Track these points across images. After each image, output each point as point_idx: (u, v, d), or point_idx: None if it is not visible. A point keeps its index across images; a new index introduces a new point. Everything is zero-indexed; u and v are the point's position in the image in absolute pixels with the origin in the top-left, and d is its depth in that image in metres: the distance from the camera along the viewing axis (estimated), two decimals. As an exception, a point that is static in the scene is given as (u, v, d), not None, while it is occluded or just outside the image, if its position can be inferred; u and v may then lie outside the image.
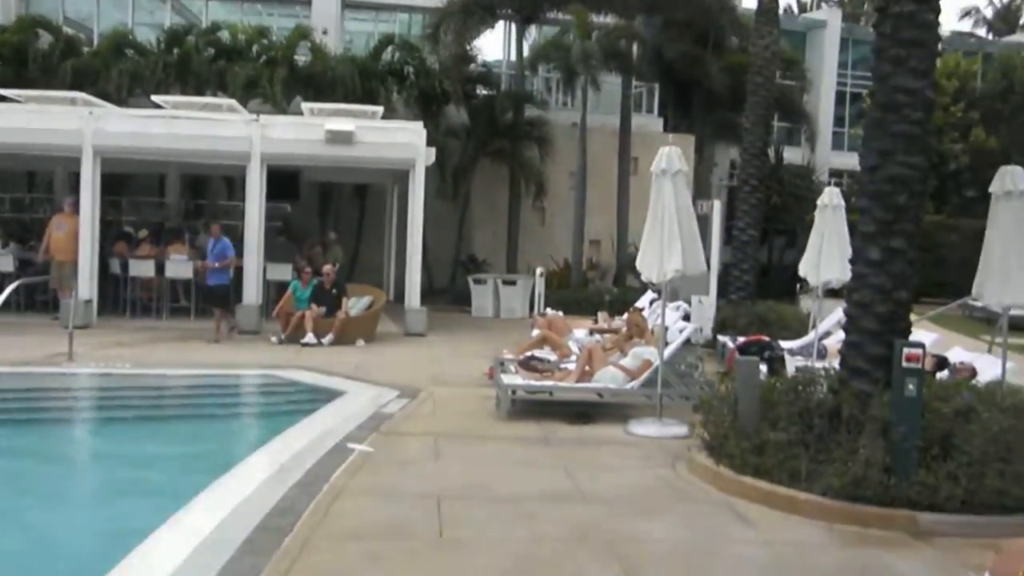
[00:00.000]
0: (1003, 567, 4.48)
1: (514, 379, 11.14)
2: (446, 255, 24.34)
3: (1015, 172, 9.21)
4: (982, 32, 48.85)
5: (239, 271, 16.77)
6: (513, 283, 21.41)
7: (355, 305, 16.48)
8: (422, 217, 17.51)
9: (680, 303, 13.94)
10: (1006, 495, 7.15)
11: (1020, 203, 9.06)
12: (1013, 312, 9.89)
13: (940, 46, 23.79)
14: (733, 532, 7.12)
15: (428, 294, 19.71)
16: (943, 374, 10.15)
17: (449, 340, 16.76)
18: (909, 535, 7.08)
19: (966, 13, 54.51)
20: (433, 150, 17.71)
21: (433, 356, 14.97)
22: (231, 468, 8.18)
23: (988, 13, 52.92)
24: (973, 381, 9.49)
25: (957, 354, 11.30)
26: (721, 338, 14.90)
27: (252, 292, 16.88)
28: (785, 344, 13.45)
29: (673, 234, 10.10)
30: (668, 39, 25.60)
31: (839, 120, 33.46)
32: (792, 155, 29.57)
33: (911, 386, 7.41)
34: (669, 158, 10.34)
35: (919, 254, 8.35)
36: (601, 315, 15.27)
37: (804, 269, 13.23)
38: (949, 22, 47.77)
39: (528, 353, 12.27)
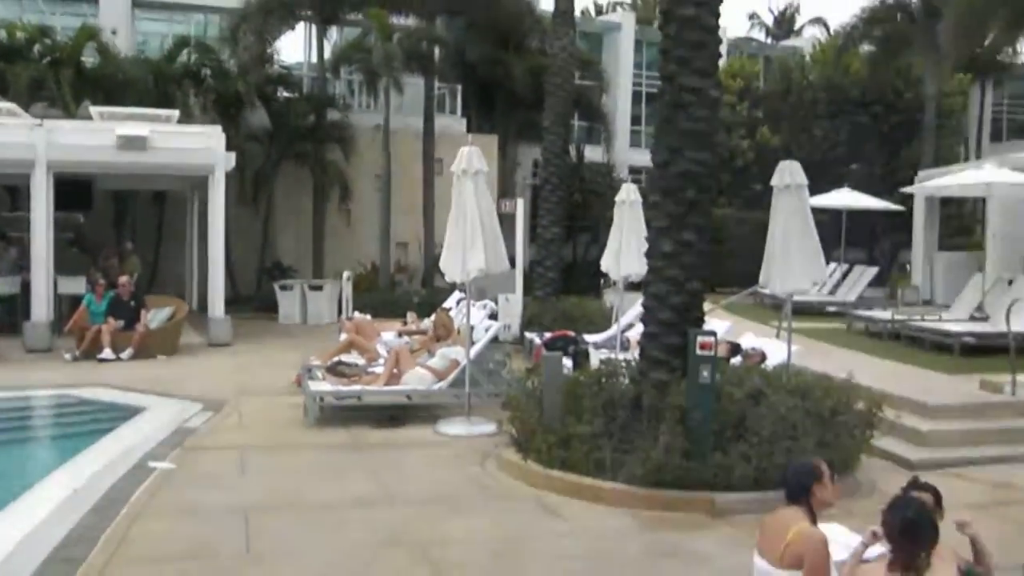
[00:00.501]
0: (766, 544, 4.70)
1: (321, 386, 10.94)
2: (250, 262, 23.67)
3: (793, 166, 9.74)
4: (762, 37, 51.61)
5: (26, 286, 15.79)
6: (320, 288, 21.06)
7: (155, 317, 15.81)
8: (223, 224, 16.98)
9: (487, 302, 14.05)
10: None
11: (797, 195, 9.58)
12: (796, 298, 10.48)
13: (725, 49, 24.99)
14: (542, 526, 7.23)
15: (233, 303, 19.11)
16: (736, 360, 10.63)
17: (255, 349, 16.31)
18: (708, 515, 7.39)
19: (751, 16, 57.54)
20: (233, 155, 17.18)
21: (239, 366, 14.53)
22: (19, 496, 7.67)
23: (768, 19, 56.02)
24: (763, 365, 9.98)
25: (749, 340, 11.86)
26: (528, 334, 15.12)
27: (41, 308, 15.88)
28: (590, 338, 13.77)
29: (475, 233, 10.17)
30: (470, 41, 25.80)
31: (636, 119, 34.55)
32: (593, 153, 30.32)
33: (705, 373, 7.72)
34: (469, 158, 10.40)
35: (711, 246, 8.72)
36: (410, 316, 15.23)
37: (606, 264, 13.60)
38: (736, 27, 50.24)
39: (335, 358, 12.09)
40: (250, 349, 16.24)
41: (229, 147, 17.08)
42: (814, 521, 4.68)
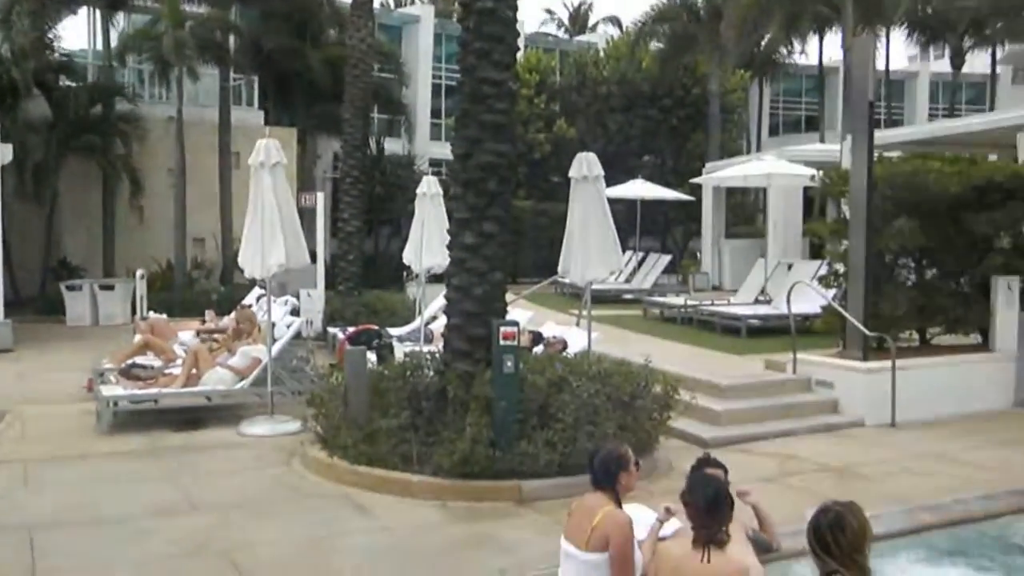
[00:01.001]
0: (573, 528, 4.83)
1: (115, 390, 10.42)
2: (33, 261, 22.21)
3: (590, 158, 10.01)
4: (560, 32, 52.77)
5: None
6: (111, 288, 20.05)
7: (-78, 323, 14.65)
8: (0, 221, 15.88)
9: (288, 297, 13.76)
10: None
11: (594, 186, 9.86)
12: (595, 287, 10.79)
13: (522, 43, 25.37)
14: (351, 523, 7.15)
15: (14, 305, 17.95)
16: (539, 348, 10.84)
17: (40, 354, 15.35)
18: (515, 503, 7.51)
19: (547, 11, 58.77)
20: (9, 147, 16.11)
21: (21, 373, 13.63)
22: None
23: (563, 15, 57.35)
24: (565, 353, 10.22)
25: (550, 329, 12.13)
26: (331, 330, 14.91)
27: None
28: (394, 331, 13.73)
29: (274, 228, 9.93)
30: (267, 30, 25.12)
31: (436, 111, 34.64)
32: (394, 146, 30.19)
33: (509, 363, 7.83)
34: (267, 150, 10.15)
35: (512, 237, 8.84)
36: (209, 315, 14.70)
37: (408, 257, 13.57)
38: (532, 22, 51.17)
39: (129, 361, 11.54)
40: (34, 354, 15.27)
41: (3, 138, 15.98)
42: (619, 505, 4.84)
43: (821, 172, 13.82)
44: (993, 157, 16.21)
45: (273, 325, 11.01)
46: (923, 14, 33.48)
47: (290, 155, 16.01)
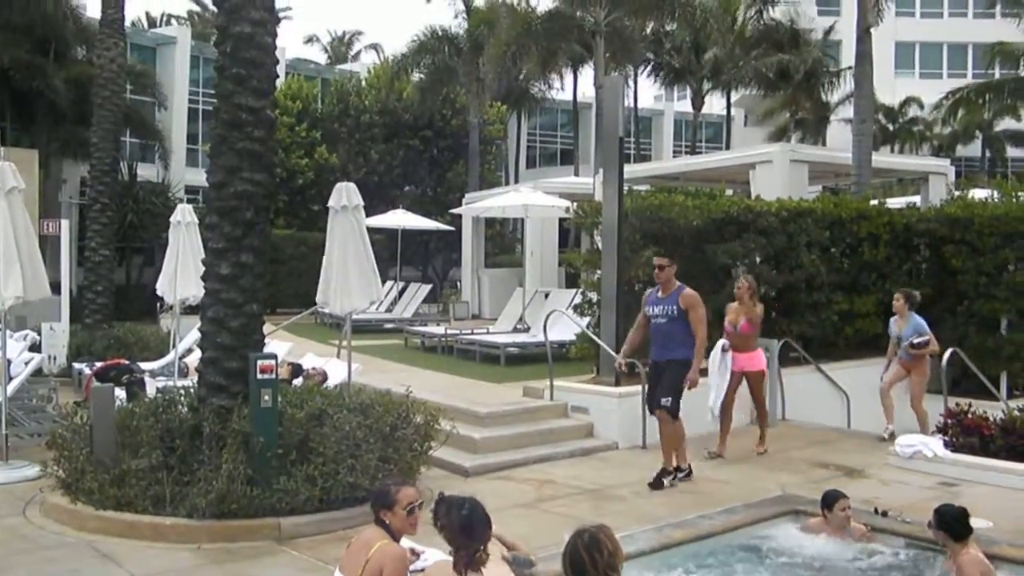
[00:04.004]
0: (348, 560, 4.80)
1: None
2: None
3: (349, 188, 9.95)
4: (322, 59, 52.40)
5: None
6: None
7: None
8: None
9: (28, 332, 12.86)
10: (358, 488, 7.68)
11: (353, 216, 9.81)
12: (356, 316, 10.72)
13: (283, 69, 24.94)
14: (93, 573, 6.71)
15: None
16: (298, 381, 10.64)
17: None
18: (274, 541, 7.29)
19: (309, 39, 58.15)
20: None
21: None
22: None
23: (325, 42, 56.97)
24: (325, 385, 10.09)
25: (310, 360, 11.95)
26: (77, 365, 14.02)
27: None
28: (146, 365, 13.08)
29: (11, 257, 9.24)
30: (4, 44, 23.49)
31: (192, 137, 33.48)
32: (148, 172, 28.93)
33: (267, 396, 7.63)
34: (3, 175, 9.45)
35: (271, 267, 8.64)
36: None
37: (162, 287, 13.01)
38: (294, 48, 50.51)
39: None
40: None
41: None
42: (396, 539, 4.82)
43: (575, 204, 14.38)
44: (729, 192, 17.45)
45: (9, 363, 10.22)
46: (668, 57, 35.70)
47: (30, 179, 14.98)
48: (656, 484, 8.93)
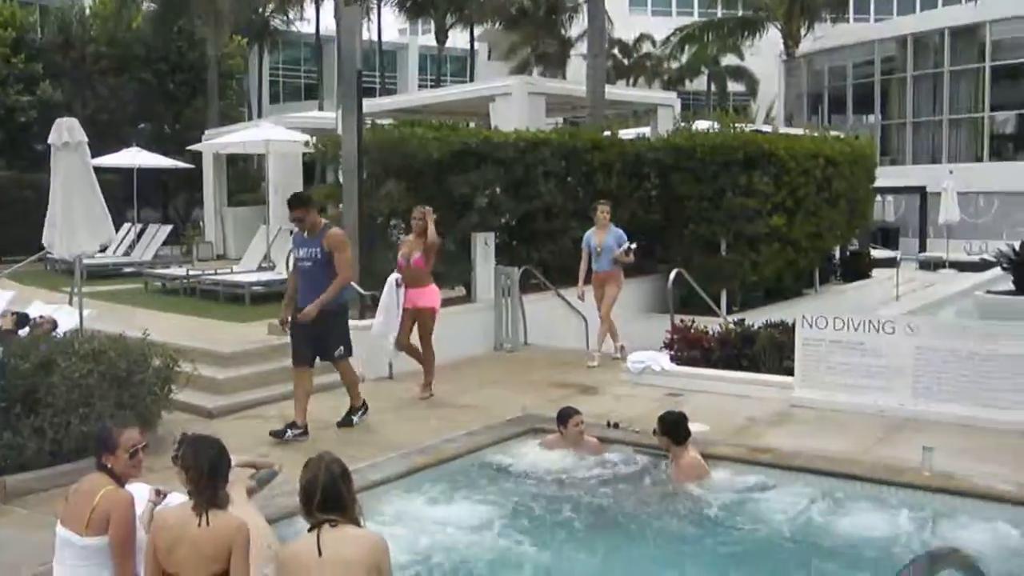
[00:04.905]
0: (71, 512, 4.61)
1: None
2: None
3: (70, 124, 9.37)
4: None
5: None
6: None
7: None
8: None
9: None
10: (91, 437, 7.36)
11: (77, 154, 9.27)
12: (91, 261, 10.17)
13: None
14: None
15: None
16: (25, 330, 10.02)
17: None
18: (0, 501, 6.91)
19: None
20: None
21: None
22: None
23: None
24: (55, 333, 9.54)
25: (37, 308, 11.26)
26: None
27: None
28: None
29: None
30: None
31: None
32: None
33: (-13, 348, 7.16)
34: None
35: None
36: None
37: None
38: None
39: None
40: None
41: None
42: (121, 484, 4.66)
43: (315, 138, 14.17)
44: (472, 125, 17.71)
45: None
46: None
47: None
48: (345, 422, 8.79)
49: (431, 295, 10.02)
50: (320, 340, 8.52)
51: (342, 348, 8.64)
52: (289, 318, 8.61)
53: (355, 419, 8.87)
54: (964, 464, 7.18)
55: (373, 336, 9.88)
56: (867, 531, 6.26)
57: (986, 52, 34.90)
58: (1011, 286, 14.96)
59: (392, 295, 9.71)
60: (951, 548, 3.23)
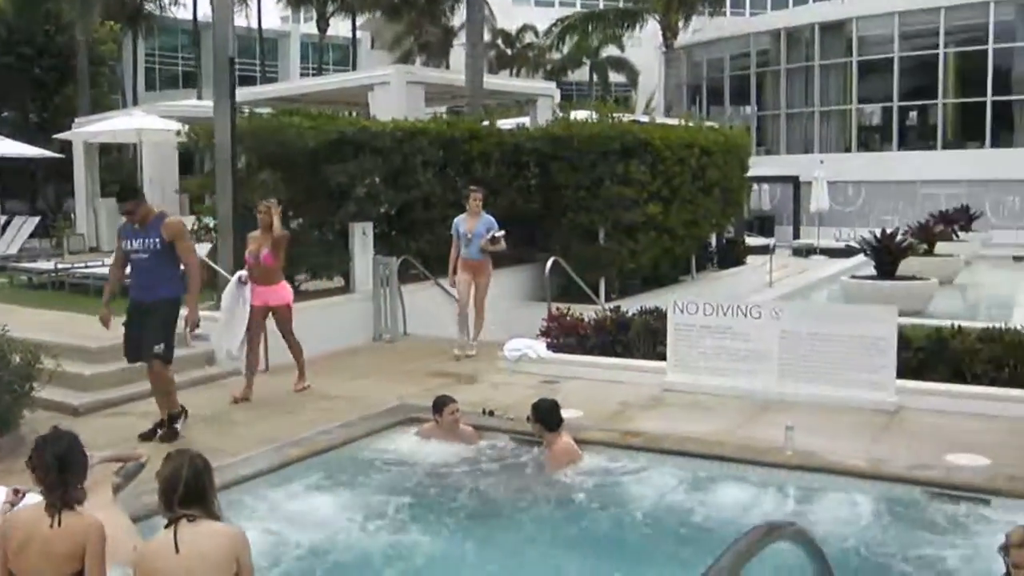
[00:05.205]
0: None
1: None
2: None
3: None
4: None
5: None
6: None
7: None
8: None
9: None
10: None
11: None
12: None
13: None
14: None
15: None
16: None
17: None
18: None
19: None
20: None
21: None
22: None
23: None
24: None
25: None
26: None
27: None
28: None
29: None
30: None
31: None
32: None
33: None
34: None
35: None
36: None
37: None
38: None
39: None
40: None
41: None
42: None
43: (187, 127, 13.84)
44: (353, 113, 17.57)
45: None
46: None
47: None
48: (170, 435, 8.01)
49: (283, 291, 9.68)
50: (139, 330, 8.07)
51: (162, 345, 8.00)
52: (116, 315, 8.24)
53: (179, 426, 8.22)
54: (823, 442, 7.48)
55: (227, 347, 9.57)
56: (729, 510, 6.46)
57: (853, 47, 36.20)
58: (873, 271, 15.56)
59: (234, 296, 9.37)
60: (788, 523, 3.36)
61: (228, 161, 11.16)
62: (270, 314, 9.71)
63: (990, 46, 33.49)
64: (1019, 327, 9.45)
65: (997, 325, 9.43)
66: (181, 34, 42.97)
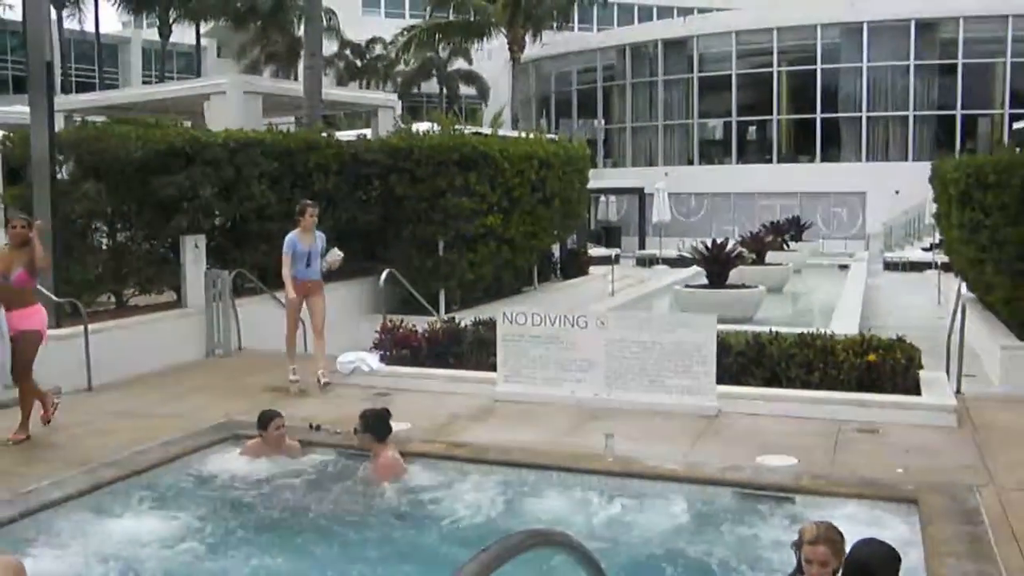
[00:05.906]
0: None
1: None
2: None
3: None
4: None
5: None
6: None
7: None
8: None
9: None
10: None
11: None
12: None
13: None
14: None
15: None
16: None
17: None
18: None
19: None
20: None
21: None
22: None
23: None
24: None
25: None
26: None
27: None
28: None
29: None
30: None
31: None
32: None
33: None
34: None
35: None
36: None
37: None
38: None
39: None
40: None
41: None
42: None
43: (1, 134, 13.22)
44: (189, 124, 17.11)
45: None
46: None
47: None
48: None
49: (37, 316, 8.36)
50: None
51: None
52: None
53: None
54: (643, 448, 7.68)
55: None
56: (549, 516, 6.56)
57: (694, 64, 37.46)
58: (705, 280, 16.10)
59: None
60: (560, 531, 3.42)
61: (47, 170, 10.69)
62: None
63: (818, 66, 35.22)
64: (830, 332, 9.94)
65: (811, 330, 9.88)
66: (11, 36, 41.02)
